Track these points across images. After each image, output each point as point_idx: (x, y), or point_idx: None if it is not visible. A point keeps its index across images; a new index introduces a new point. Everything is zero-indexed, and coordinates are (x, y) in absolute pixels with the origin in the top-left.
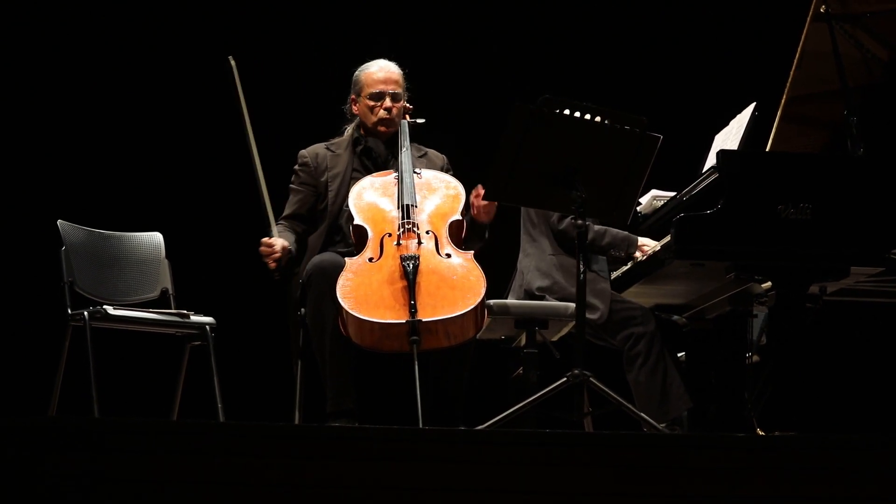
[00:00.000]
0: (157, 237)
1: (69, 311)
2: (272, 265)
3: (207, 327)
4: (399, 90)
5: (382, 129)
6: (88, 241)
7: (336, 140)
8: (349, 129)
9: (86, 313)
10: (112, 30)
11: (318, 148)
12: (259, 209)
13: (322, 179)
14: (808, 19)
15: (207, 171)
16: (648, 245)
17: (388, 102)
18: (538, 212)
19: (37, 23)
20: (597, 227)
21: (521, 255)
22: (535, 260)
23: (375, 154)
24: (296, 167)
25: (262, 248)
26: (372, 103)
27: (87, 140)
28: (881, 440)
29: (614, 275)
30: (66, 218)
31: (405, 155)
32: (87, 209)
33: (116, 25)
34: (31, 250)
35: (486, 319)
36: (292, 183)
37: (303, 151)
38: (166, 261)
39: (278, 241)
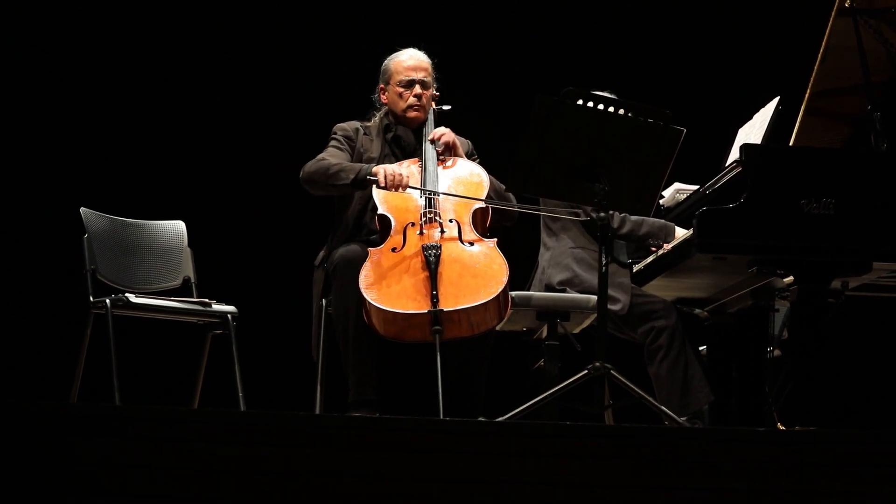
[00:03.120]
0: (179, 225)
1: (91, 298)
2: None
3: (229, 316)
4: (428, 78)
5: (413, 114)
6: (111, 229)
7: (367, 124)
8: (378, 117)
9: (108, 301)
10: (134, 17)
11: (356, 125)
12: None
13: (353, 155)
14: (833, 14)
15: (230, 160)
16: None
17: (417, 90)
18: (562, 206)
19: (60, 11)
20: (633, 218)
21: (541, 250)
22: (554, 254)
23: (405, 142)
24: (336, 135)
25: (392, 182)
26: (401, 90)
27: (110, 128)
28: None
29: (636, 268)
30: (89, 206)
31: (430, 144)
32: (109, 197)
33: (139, 12)
34: (53, 238)
35: (510, 308)
36: (333, 143)
37: (341, 125)
38: (188, 249)
39: (389, 173)
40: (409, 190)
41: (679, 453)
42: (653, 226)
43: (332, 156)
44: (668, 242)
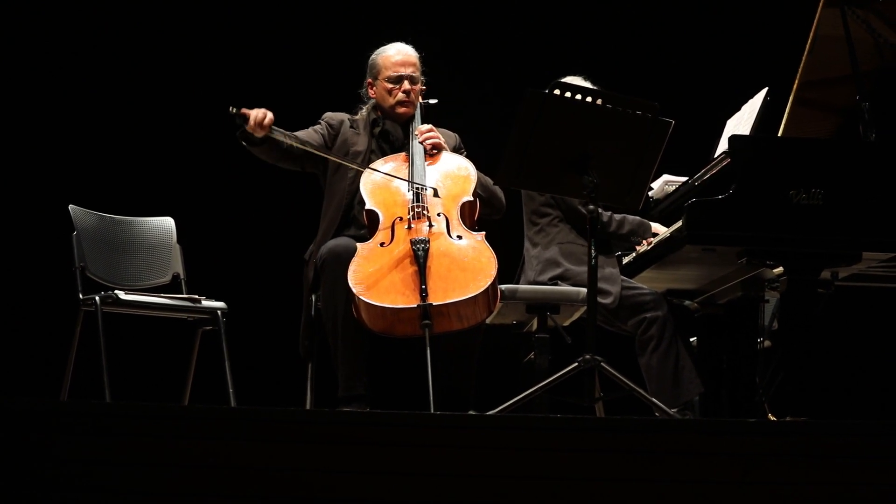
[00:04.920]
0: (168, 222)
1: (80, 296)
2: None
3: (219, 312)
4: (416, 73)
5: (402, 110)
6: (100, 226)
7: (355, 118)
8: (364, 111)
9: (97, 298)
10: (123, 15)
11: (343, 117)
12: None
13: (335, 144)
14: (821, 4)
15: (219, 156)
16: (659, 232)
17: (406, 85)
18: (549, 202)
19: (49, 9)
20: (616, 217)
21: (526, 245)
22: (541, 251)
23: (393, 137)
24: (321, 121)
25: (255, 118)
26: (390, 86)
27: (98, 125)
28: (893, 426)
29: (625, 260)
30: (78, 203)
31: (417, 138)
32: (98, 194)
33: (127, 11)
34: (42, 235)
35: (499, 301)
36: (313, 126)
37: (329, 114)
38: (178, 246)
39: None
40: (396, 184)
41: (670, 445)
42: (633, 223)
43: (301, 133)
44: (647, 239)
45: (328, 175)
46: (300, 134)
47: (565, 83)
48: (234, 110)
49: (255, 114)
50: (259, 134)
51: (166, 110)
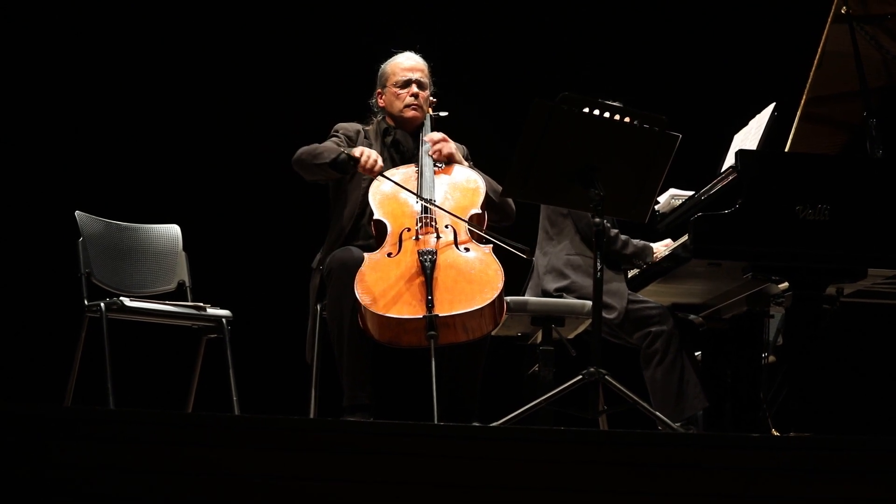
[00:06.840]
0: (174, 229)
1: (86, 302)
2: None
3: (224, 320)
4: (425, 79)
5: (410, 114)
6: (106, 233)
7: (367, 128)
8: (375, 122)
9: (102, 305)
10: (130, 20)
11: (357, 127)
12: None
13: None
14: (829, 20)
15: (225, 164)
16: (661, 251)
17: (414, 89)
18: (562, 212)
19: (57, 14)
20: (623, 237)
21: (537, 253)
22: (550, 260)
23: (404, 147)
24: (338, 133)
25: (366, 162)
26: (398, 91)
27: (105, 131)
28: None
29: (631, 274)
30: (84, 209)
31: (426, 149)
32: (104, 200)
33: (134, 16)
34: (48, 241)
35: (505, 314)
36: (332, 139)
37: (342, 124)
38: (183, 253)
39: (367, 152)
40: (405, 195)
41: (673, 459)
42: (637, 246)
43: (326, 148)
44: (647, 263)
45: (343, 183)
46: (325, 146)
47: (572, 95)
48: (346, 155)
49: (366, 160)
50: (364, 174)
51: (173, 117)
